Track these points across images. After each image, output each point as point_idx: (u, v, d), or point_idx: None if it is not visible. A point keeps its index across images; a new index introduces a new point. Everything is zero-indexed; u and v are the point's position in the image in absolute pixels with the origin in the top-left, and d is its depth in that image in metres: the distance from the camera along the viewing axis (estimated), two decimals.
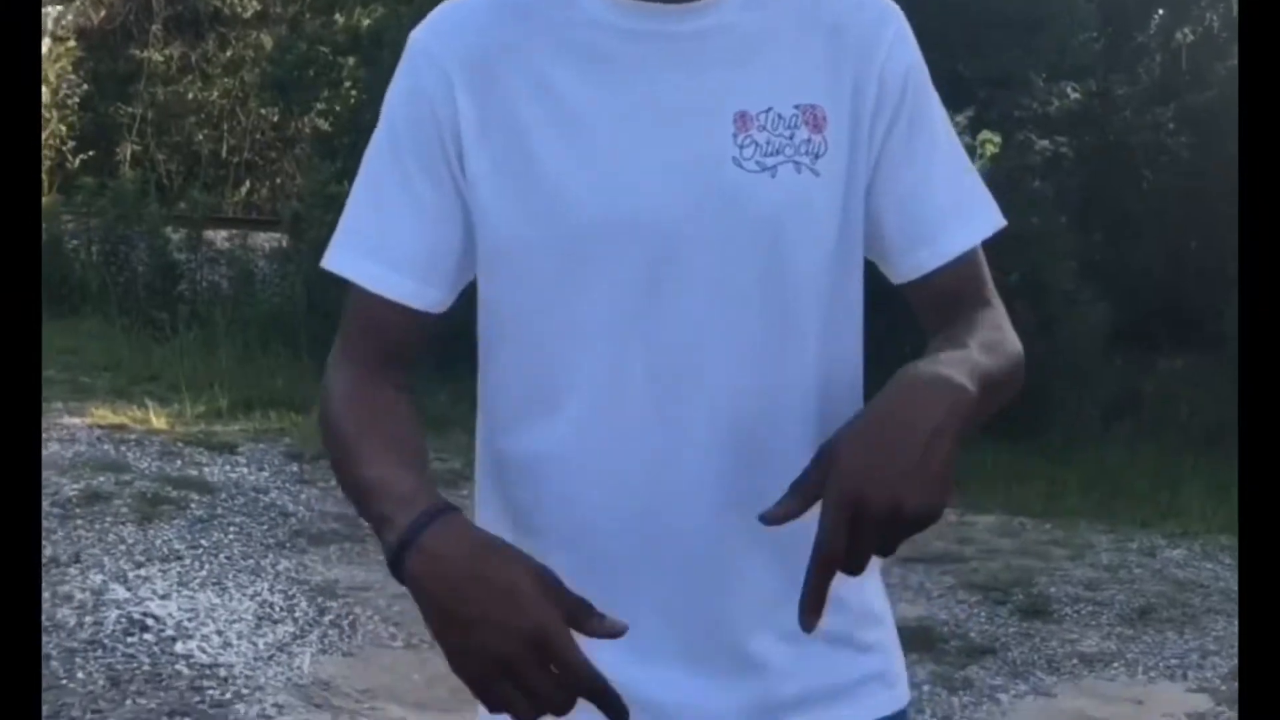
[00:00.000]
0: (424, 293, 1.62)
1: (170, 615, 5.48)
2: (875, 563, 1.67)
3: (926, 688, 5.13)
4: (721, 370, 1.57)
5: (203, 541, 6.36)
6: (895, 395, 1.43)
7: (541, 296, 1.58)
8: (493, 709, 1.37)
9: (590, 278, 1.56)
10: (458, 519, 1.42)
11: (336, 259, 1.66)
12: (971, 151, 6.43)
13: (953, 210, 1.66)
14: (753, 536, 1.56)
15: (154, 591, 5.71)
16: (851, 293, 1.66)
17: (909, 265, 1.66)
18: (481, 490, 1.70)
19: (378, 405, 1.61)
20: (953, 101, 1.73)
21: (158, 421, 8.21)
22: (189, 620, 5.45)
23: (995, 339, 1.60)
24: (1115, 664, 5.51)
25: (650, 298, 1.56)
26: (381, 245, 1.63)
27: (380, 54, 11.31)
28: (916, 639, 5.44)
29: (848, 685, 1.65)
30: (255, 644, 5.27)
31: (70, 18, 15.45)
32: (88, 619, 5.37)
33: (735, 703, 1.60)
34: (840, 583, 1.58)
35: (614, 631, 1.37)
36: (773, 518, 1.43)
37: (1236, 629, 5.61)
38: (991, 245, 1.71)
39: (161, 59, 15.84)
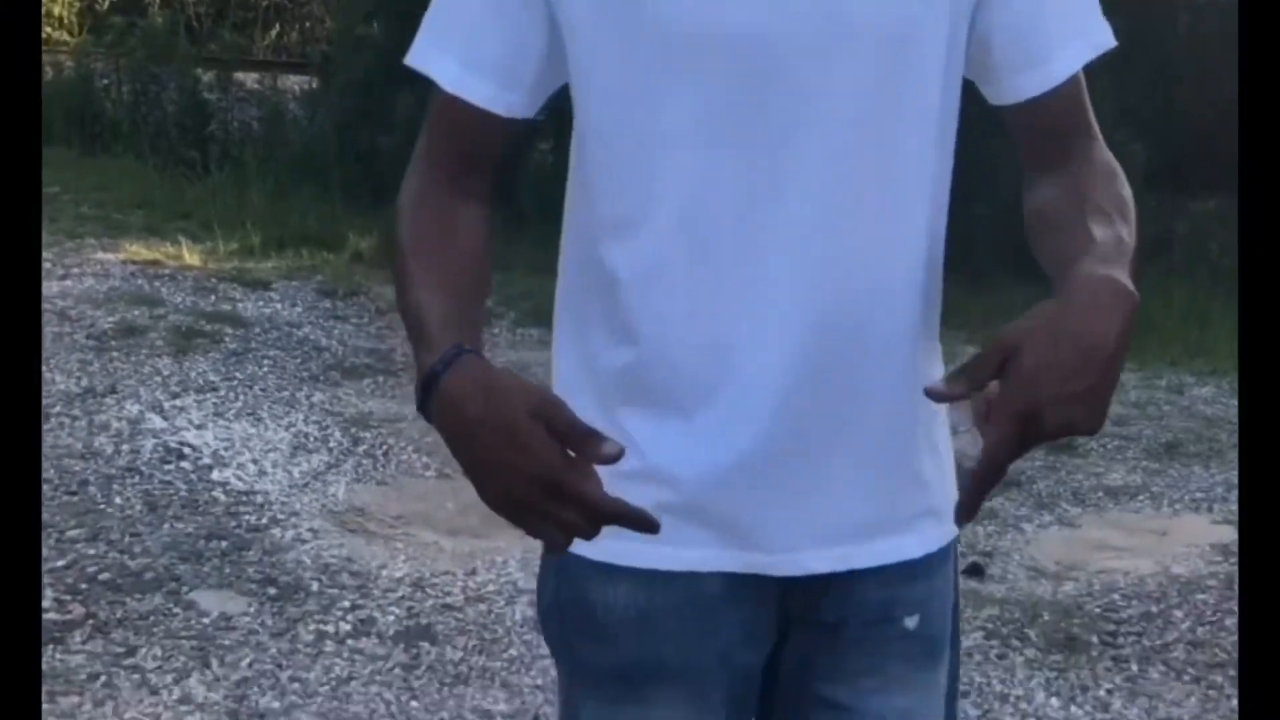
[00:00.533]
0: (502, 97, 1.61)
1: (206, 444, 5.55)
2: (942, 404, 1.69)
3: None
4: (815, 191, 1.55)
5: (237, 374, 6.42)
6: (1084, 306, 1.37)
7: (632, 108, 1.57)
8: (532, 535, 1.40)
9: (683, 89, 1.54)
10: (470, 361, 1.41)
11: (418, 56, 1.65)
12: None
13: (1065, 31, 1.63)
14: (826, 387, 1.57)
15: (190, 421, 5.79)
16: (952, 131, 1.63)
17: (1015, 87, 1.64)
18: (566, 298, 1.70)
19: (441, 217, 1.62)
20: None
21: (191, 258, 8.24)
22: (225, 449, 5.52)
23: (1125, 199, 1.56)
24: (1140, 497, 5.54)
25: (744, 113, 1.54)
26: (462, 46, 1.62)
27: None
28: None
29: (907, 518, 1.66)
30: (290, 472, 5.34)
31: None
32: (125, 447, 5.45)
33: (797, 524, 1.61)
34: (913, 419, 1.62)
35: (613, 455, 1.35)
36: (936, 393, 1.40)
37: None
38: None
39: None
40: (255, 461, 5.43)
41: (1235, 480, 5.62)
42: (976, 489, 1.38)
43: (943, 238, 1.65)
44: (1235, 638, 4.31)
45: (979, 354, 1.38)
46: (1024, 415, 1.34)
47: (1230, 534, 5.14)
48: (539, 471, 1.34)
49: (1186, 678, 4.10)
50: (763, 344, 1.56)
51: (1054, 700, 3.91)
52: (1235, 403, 6.59)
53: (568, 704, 1.74)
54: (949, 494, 1.70)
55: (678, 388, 1.59)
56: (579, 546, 1.61)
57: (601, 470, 1.57)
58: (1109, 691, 3.98)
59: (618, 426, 1.60)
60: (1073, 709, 3.87)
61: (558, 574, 1.69)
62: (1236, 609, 4.51)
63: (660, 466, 1.59)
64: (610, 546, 1.61)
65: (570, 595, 1.68)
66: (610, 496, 1.36)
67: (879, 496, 1.64)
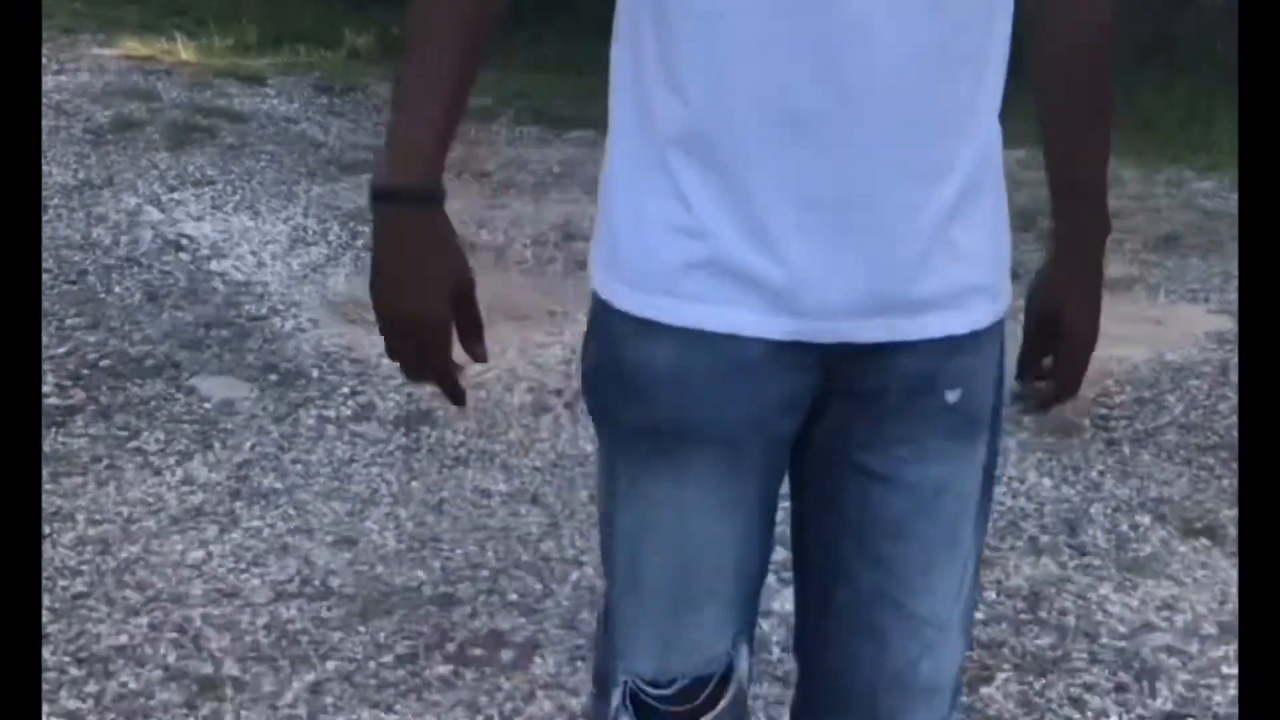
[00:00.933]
0: None
1: (205, 236, 5.56)
2: (1001, 183, 1.69)
3: None
4: None
5: (234, 168, 6.41)
6: (1096, 282, 1.83)
7: None
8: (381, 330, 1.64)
9: None
10: (434, 219, 1.60)
11: None
12: None
13: None
14: (877, 153, 1.56)
15: (188, 214, 5.79)
16: None
17: None
18: (622, 49, 1.67)
19: None
20: None
21: (186, 54, 8.19)
22: (223, 241, 5.53)
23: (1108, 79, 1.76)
24: (1137, 287, 5.55)
25: None
26: None
27: None
28: None
29: (955, 292, 1.64)
30: (289, 264, 5.36)
31: None
32: (123, 238, 5.46)
33: (842, 292, 1.59)
34: (970, 191, 1.62)
35: (479, 359, 1.66)
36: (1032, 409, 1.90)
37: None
38: None
39: None
40: (254, 253, 5.44)
41: (1232, 271, 5.63)
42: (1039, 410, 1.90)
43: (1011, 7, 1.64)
44: (1227, 422, 4.35)
45: (1025, 345, 1.84)
46: (1083, 365, 1.83)
47: (1225, 323, 5.16)
48: (419, 317, 1.60)
49: (1178, 460, 4.14)
50: (814, 100, 1.54)
51: (1046, 481, 3.96)
52: (1235, 197, 6.56)
53: (607, 469, 1.75)
54: (1001, 273, 1.70)
55: (728, 141, 1.57)
56: (621, 301, 1.65)
57: (652, 222, 1.61)
58: (1100, 473, 4.03)
59: (670, 178, 1.59)
60: (1064, 489, 3.92)
61: (599, 336, 1.70)
62: (1229, 394, 4.55)
63: (706, 222, 1.58)
64: (651, 302, 1.62)
65: (609, 355, 1.68)
66: (445, 366, 1.64)
67: (927, 268, 1.61)
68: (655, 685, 1.74)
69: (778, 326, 1.61)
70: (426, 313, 1.60)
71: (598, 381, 1.72)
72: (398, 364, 1.66)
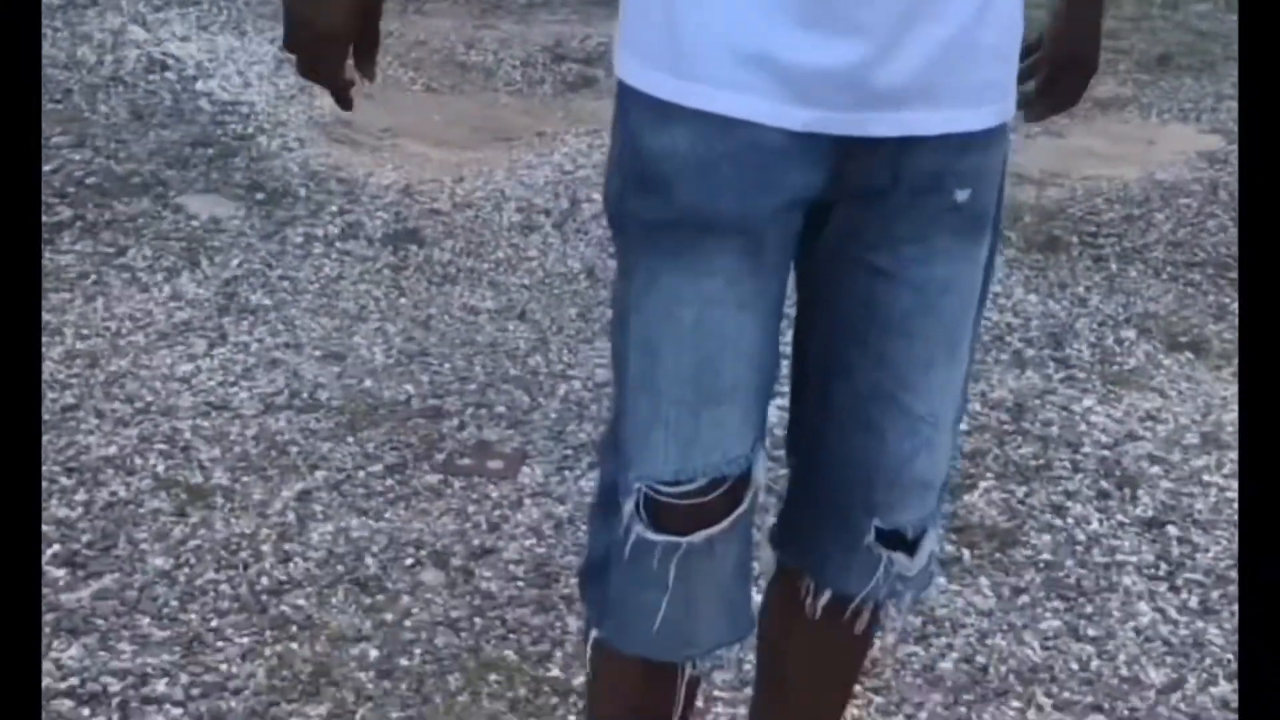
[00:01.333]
0: None
1: (190, 56, 5.50)
2: None
3: None
4: None
5: None
6: (1099, 19, 1.99)
7: None
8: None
9: None
10: None
11: None
12: None
13: None
14: None
15: (173, 33, 5.72)
16: None
17: None
18: None
19: None
20: None
21: None
22: (209, 61, 5.47)
23: None
24: (1129, 108, 5.52)
25: None
26: None
27: None
28: None
29: (969, 90, 1.63)
30: (276, 84, 5.31)
31: None
32: (108, 57, 5.40)
33: (860, 85, 1.58)
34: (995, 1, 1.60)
35: (367, 76, 1.69)
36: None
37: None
38: None
39: None
40: (240, 73, 5.39)
41: (1225, 91, 5.60)
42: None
43: None
44: (1215, 239, 4.36)
45: (1037, 67, 1.95)
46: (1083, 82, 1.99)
47: (1217, 142, 5.14)
48: (317, 30, 1.63)
49: (1165, 276, 4.15)
50: None
51: (1032, 296, 3.97)
52: (1231, 17, 6.50)
53: (623, 273, 1.73)
54: (1013, 73, 1.69)
55: None
56: (643, 83, 1.63)
57: (678, 6, 1.59)
58: (1087, 289, 4.04)
59: None
60: (1050, 304, 3.93)
61: (621, 133, 1.68)
62: (1218, 213, 4.55)
63: (732, 6, 1.56)
64: (672, 85, 1.60)
65: (631, 148, 1.67)
66: (337, 78, 1.68)
67: (944, 64, 1.59)
68: (675, 483, 1.71)
69: (796, 118, 1.59)
70: (328, 23, 1.64)
71: (619, 182, 1.70)
72: (294, 56, 1.73)
